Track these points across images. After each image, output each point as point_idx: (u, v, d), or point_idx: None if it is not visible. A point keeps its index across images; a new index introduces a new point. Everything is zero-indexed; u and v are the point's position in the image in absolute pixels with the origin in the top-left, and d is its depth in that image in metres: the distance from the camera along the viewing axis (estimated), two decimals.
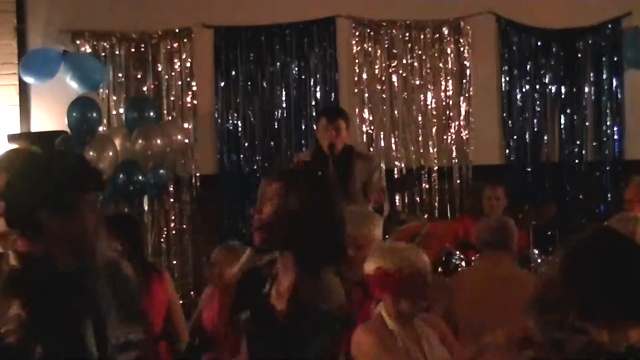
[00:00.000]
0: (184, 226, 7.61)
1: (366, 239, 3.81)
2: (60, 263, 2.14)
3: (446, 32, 7.76)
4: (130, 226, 4.39)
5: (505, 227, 4.53)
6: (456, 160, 7.78)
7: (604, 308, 2.00)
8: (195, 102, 7.67)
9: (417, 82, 7.74)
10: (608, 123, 7.87)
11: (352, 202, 5.31)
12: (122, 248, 3.89)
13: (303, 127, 7.66)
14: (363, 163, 5.46)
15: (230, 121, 7.69)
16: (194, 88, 7.66)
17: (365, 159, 5.59)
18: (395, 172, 7.70)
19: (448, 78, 7.76)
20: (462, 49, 7.75)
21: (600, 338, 1.98)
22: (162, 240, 7.54)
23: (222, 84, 7.66)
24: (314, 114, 7.58)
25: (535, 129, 7.87)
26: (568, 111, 7.89)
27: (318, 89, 7.70)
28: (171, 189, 7.55)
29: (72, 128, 6.88)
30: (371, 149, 7.60)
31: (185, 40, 7.64)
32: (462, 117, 7.78)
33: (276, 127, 7.70)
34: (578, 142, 7.89)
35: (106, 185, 6.34)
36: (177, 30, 7.64)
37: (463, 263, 5.90)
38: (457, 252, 5.99)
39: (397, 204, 7.49)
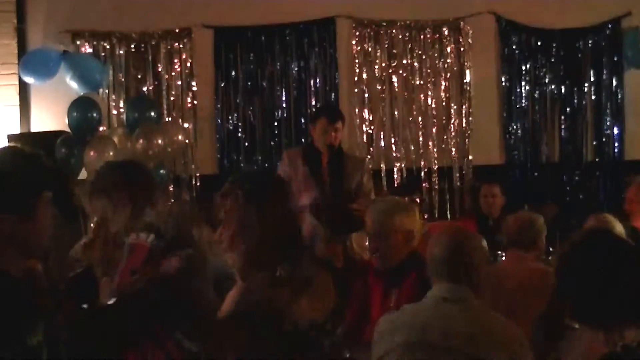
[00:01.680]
0: None
1: (391, 228, 3.78)
2: (8, 266, 2.08)
3: (446, 32, 7.76)
4: None
5: (531, 224, 4.47)
6: (456, 160, 7.78)
7: (599, 308, 2.00)
8: (195, 102, 7.67)
9: (417, 82, 7.75)
10: (608, 123, 7.87)
11: (344, 201, 5.30)
12: None
13: (303, 127, 7.65)
14: (353, 164, 5.45)
15: (230, 121, 7.69)
16: (194, 88, 7.66)
17: (355, 160, 5.59)
18: (395, 172, 7.70)
19: (448, 78, 7.76)
20: (462, 49, 7.76)
21: (595, 338, 1.98)
22: None
23: (222, 84, 7.67)
24: None
25: (535, 129, 7.87)
26: (568, 111, 7.89)
27: (318, 89, 7.70)
28: (171, 189, 7.54)
29: (72, 128, 6.88)
30: (371, 149, 7.61)
31: (185, 40, 7.64)
32: (462, 117, 7.78)
33: (276, 127, 7.70)
34: (578, 142, 7.89)
35: (69, 183, 6.32)
36: (177, 30, 7.64)
37: None
38: None
39: None
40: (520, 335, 2.98)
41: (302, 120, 7.68)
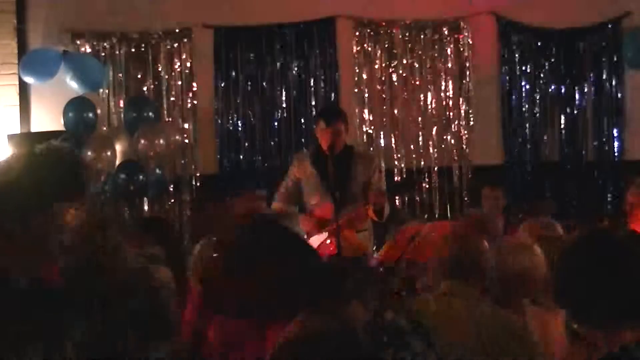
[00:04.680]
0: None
1: None
2: (14, 277, 2.02)
3: (446, 32, 7.76)
4: (166, 229, 4.23)
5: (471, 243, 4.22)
6: (456, 160, 7.78)
7: (597, 308, 2.00)
8: (195, 102, 7.67)
9: (417, 82, 7.74)
10: (608, 123, 7.86)
11: (352, 203, 5.31)
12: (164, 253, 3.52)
13: (303, 127, 7.65)
14: (363, 163, 5.45)
15: (230, 121, 7.69)
16: (194, 88, 7.66)
17: (365, 159, 5.59)
18: (395, 172, 7.70)
19: (448, 78, 7.75)
20: (462, 49, 7.75)
21: (594, 338, 1.98)
22: None
23: (222, 84, 7.66)
24: (314, 114, 7.58)
25: (535, 129, 7.86)
26: (568, 111, 7.89)
27: (318, 89, 7.70)
28: (171, 189, 7.55)
29: (68, 128, 6.89)
30: (371, 149, 7.60)
31: (185, 40, 7.64)
32: (462, 117, 7.78)
33: (276, 127, 7.70)
34: (578, 142, 7.89)
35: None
36: (177, 30, 7.64)
37: None
38: None
39: (397, 204, 7.49)
40: None
41: (302, 120, 7.68)
